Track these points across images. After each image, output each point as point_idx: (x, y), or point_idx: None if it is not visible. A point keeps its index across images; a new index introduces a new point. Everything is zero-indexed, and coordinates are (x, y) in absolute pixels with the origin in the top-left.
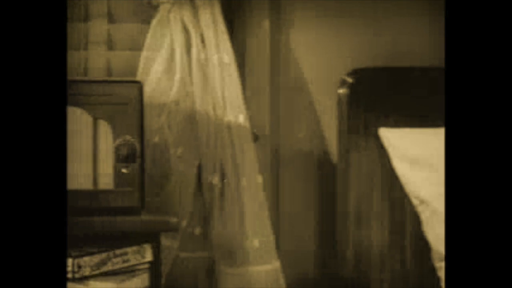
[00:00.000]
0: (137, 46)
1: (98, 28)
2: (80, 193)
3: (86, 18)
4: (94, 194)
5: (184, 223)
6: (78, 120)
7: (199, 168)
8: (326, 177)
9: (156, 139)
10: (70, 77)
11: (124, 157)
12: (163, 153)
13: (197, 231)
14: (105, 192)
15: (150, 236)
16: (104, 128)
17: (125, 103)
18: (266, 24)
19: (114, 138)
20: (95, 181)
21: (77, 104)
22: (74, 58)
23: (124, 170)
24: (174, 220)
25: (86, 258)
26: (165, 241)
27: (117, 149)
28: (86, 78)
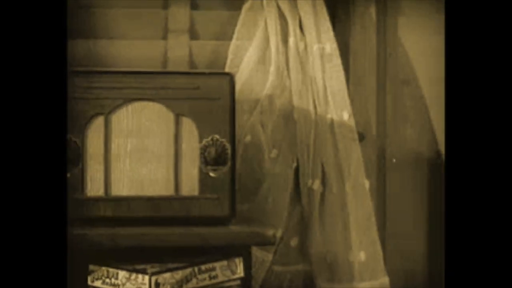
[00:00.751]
0: (224, 35)
1: (180, 15)
2: (160, 200)
3: (166, 4)
4: (176, 201)
5: (279, 233)
6: (157, 117)
7: (297, 171)
8: (439, 181)
9: (248, 138)
10: (147, 68)
11: (212, 159)
12: (256, 155)
13: (294, 242)
14: (189, 199)
15: (241, 249)
16: (188, 126)
17: (214, 97)
18: (372, 10)
19: (200, 138)
20: (177, 186)
21: (156, 99)
22: (152, 48)
23: (211, 174)
24: (270, 232)
25: (166, 275)
26: (256, 252)
27: (203, 150)
28: (166, 70)
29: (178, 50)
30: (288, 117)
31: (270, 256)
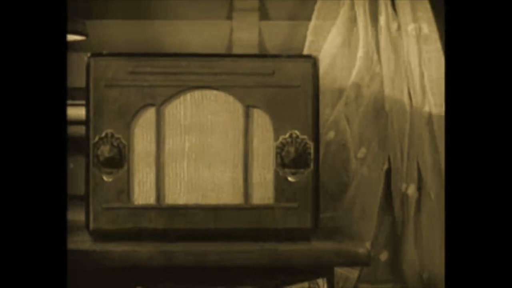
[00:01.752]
0: (300, 14)
1: None
2: (226, 210)
3: None
4: (246, 211)
5: (367, 246)
6: (222, 110)
7: (388, 174)
8: None
9: (331, 135)
10: (211, 51)
11: (290, 161)
12: (340, 155)
13: (384, 256)
14: (262, 208)
15: (323, 267)
16: (261, 120)
17: (293, 85)
18: None
19: (276, 134)
20: (247, 193)
21: (221, 88)
22: (215, 29)
23: (290, 179)
24: (363, 249)
25: None
26: (338, 269)
27: (280, 149)
28: (234, 53)
29: (245, 32)
30: (379, 110)
31: (355, 273)
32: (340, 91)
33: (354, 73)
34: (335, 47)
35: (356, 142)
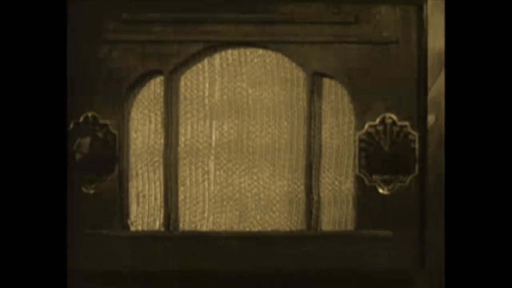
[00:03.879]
0: None
1: None
2: (279, 241)
3: None
4: (311, 242)
5: None
6: (273, 79)
7: None
8: None
9: (431, 119)
10: None
11: (383, 162)
12: (441, 148)
13: None
14: (338, 237)
15: None
16: (336, 96)
17: (388, 41)
18: None
19: (360, 119)
20: (310, 214)
21: (269, 44)
22: None
23: (382, 191)
24: None
25: None
26: None
27: (366, 143)
28: None
29: None
30: None
31: None
32: (440, 57)
33: None
34: None
35: None
